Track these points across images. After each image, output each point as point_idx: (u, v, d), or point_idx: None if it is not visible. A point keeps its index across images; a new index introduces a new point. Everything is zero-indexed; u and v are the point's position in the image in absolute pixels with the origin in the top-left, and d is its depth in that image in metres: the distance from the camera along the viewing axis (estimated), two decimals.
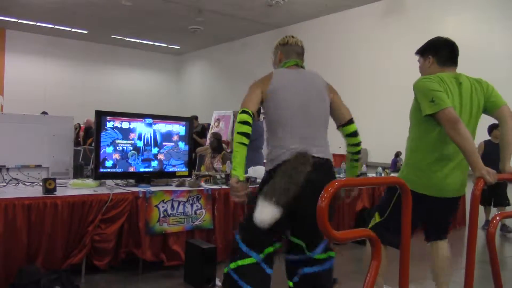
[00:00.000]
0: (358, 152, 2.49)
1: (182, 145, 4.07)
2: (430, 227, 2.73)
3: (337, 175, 5.84)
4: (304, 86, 2.35)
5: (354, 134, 2.45)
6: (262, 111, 2.41)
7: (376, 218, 2.60)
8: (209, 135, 8.13)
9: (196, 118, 9.28)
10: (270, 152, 2.30)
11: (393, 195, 2.50)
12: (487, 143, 5.96)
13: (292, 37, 2.53)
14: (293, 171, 2.09)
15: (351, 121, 2.44)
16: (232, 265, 2.26)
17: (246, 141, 2.17)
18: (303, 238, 2.29)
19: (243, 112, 2.21)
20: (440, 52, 2.52)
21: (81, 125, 11.70)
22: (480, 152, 5.43)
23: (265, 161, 2.46)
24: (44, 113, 7.02)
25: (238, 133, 2.17)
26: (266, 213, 2.01)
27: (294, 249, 2.32)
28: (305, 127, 2.29)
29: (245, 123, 2.18)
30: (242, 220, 2.39)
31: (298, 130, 2.27)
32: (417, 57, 2.65)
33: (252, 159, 5.03)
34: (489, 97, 2.47)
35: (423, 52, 2.60)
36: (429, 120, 2.33)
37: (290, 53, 2.47)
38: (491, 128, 5.94)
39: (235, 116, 8.83)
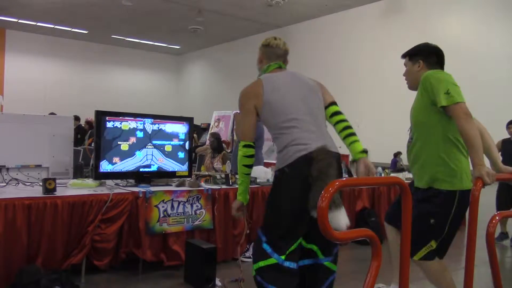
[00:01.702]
0: (349, 127, 2.40)
1: (182, 145, 4.07)
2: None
3: None
4: (296, 85, 2.37)
5: (339, 112, 2.45)
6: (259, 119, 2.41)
7: (433, 245, 2.43)
8: (208, 135, 8.13)
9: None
10: (285, 153, 2.24)
11: (443, 217, 2.39)
12: (505, 141, 5.57)
13: (275, 39, 2.52)
14: (328, 167, 2.08)
15: (335, 103, 2.47)
16: (255, 267, 2.25)
17: (250, 171, 2.41)
18: (319, 241, 2.27)
19: (247, 146, 2.35)
20: (430, 57, 2.54)
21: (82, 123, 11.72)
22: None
23: (270, 161, 2.48)
24: (52, 114, 7.03)
25: (244, 165, 2.38)
26: (343, 219, 1.96)
27: (306, 254, 2.31)
28: (311, 122, 2.29)
29: (250, 156, 2.37)
30: (266, 219, 2.33)
31: (307, 126, 2.27)
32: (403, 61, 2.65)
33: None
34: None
35: (412, 56, 2.60)
36: (440, 115, 2.32)
37: (270, 55, 2.48)
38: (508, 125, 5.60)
39: (235, 117, 8.84)
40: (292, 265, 2.22)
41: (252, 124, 2.35)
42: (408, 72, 2.62)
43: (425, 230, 2.40)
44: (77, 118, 10.67)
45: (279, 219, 2.23)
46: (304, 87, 2.38)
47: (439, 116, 2.35)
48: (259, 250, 2.26)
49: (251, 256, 2.39)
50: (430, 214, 2.38)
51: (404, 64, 2.65)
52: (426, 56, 2.54)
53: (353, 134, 2.37)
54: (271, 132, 2.36)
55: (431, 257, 2.44)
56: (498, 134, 4.67)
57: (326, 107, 2.43)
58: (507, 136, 5.59)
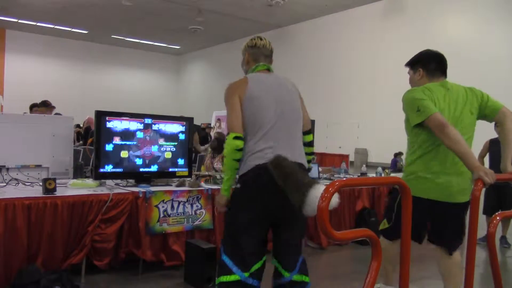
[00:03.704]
0: (309, 161, 2.48)
1: (181, 145, 4.07)
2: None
3: (336, 175, 5.82)
4: (279, 92, 2.35)
5: (311, 143, 2.53)
6: None
7: (385, 224, 2.65)
8: (213, 135, 8.13)
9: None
10: (244, 160, 2.25)
11: (394, 201, 2.53)
12: (493, 141, 5.28)
13: (260, 39, 2.51)
14: (293, 169, 2.05)
15: (309, 131, 2.50)
16: (217, 281, 2.25)
17: (238, 166, 2.27)
18: (278, 253, 2.29)
19: (237, 138, 2.24)
20: (429, 65, 2.57)
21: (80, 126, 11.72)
22: (484, 152, 5.30)
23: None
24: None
25: (234, 159, 2.25)
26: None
27: (275, 272, 2.31)
28: (280, 131, 2.28)
29: (240, 150, 2.24)
30: (225, 234, 2.33)
31: (272, 135, 2.26)
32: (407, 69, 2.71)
33: None
34: (486, 103, 2.51)
35: (413, 65, 2.66)
36: (423, 129, 2.38)
37: (257, 55, 2.47)
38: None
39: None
40: (255, 282, 2.21)
41: (239, 116, 2.27)
42: (410, 80, 2.69)
43: (388, 206, 2.70)
44: (78, 126, 10.79)
45: (238, 232, 2.20)
46: (286, 96, 2.37)
47: (422, 131, 2.42)
48: (221, 263, 2.24)
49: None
50: (389, 196, 2.56)
51: (408, 73, 2.71)
52: (425, 64, 2.59)
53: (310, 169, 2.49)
54: (244, 131, 2.32)
55: (383, 234, 2.66)
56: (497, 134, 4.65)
57: (303, 134, 2.45)
58: None
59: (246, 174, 2.21)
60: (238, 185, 2.27)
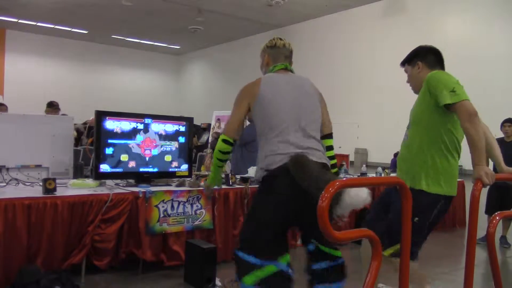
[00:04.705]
0: (334, 165, 2.45)
1: (181, 145, 4.07)
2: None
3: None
4: (295, 91, 2.31)
5: (330, 148, 2.49)
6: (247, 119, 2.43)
7: (397, 247, 2.32)
8: (212, 135, 8.14)
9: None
10: (264, 159, 2.22)
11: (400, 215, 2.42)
12: (497, 140, 5.39)
13: (280, 39, 2.47)
14: (318, 168, 2.07)
15: (330, 136, 2.47)
16: (248, 280, 2.11)
17: (223, 165, 2.48)
18: (316, 237, 2.28)
19: (226, 142, 2.33)
20: (428, 57, 2.53)
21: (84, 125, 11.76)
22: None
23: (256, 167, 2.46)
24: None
25: (219, 159, 2.42)
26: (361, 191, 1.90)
27: (312, 257, 2.30)
28: (297, 132, 2.23)
29: (226, 153, 2.39)
30: (247, 234, 2.24)
31: (290, 136, 2.22)
32: (403, 69, 2.65)
33: (253, 159, 5.03)
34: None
35: (410, 60, 2.59)
36: (441, 117, 2.30)
37: (278, 56, 2.43)
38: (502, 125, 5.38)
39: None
40: (290, 272, 2.18)
41: (239, 120, 2.32)
42: (409, 76, 2.61)
43: (393, 227, 2.35)
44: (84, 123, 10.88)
45: (263, 227, 2.17)
46: (303, 95, 2.32)
47: (440, 119, 2.32)
48: (247, 264, 2.15)
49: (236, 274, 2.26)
50: (413, 213, 2.38)
51: (405, 71, 2.64)
52: (424, 57, 2.53)
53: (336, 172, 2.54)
54: (258, 131, 2.32)
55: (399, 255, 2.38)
56: (497, 134, 4.66)
57: (323, 138, 2.41)
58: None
59: (266, 174, 2.19)
60: (261, 186, 2.28)
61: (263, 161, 2.22)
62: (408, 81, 2.64)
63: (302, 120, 2.26)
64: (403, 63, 2.64)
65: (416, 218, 2.29)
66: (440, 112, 2.31)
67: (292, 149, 2.17)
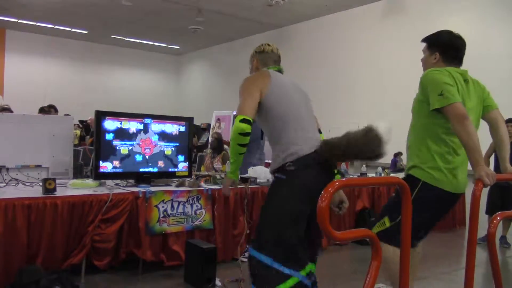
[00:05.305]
0: None
1: (181, 145, 4.07)
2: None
3: None
4: (295, 87, 2.42)
5: None
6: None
7: (386, 223, 2.40)
8: (212, 135, 8.14)
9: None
10: (287, 148, 2.16)
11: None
12: None
13: (268, 45, 2.52)
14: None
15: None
16: None
17: (244, 151, 2.18)
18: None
19: (245, 121, 2.12)
20: (447, 52, 2.45)
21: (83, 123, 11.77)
22: (490, 151, 5.24)
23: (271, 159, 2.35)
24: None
25: (239, 144, 2.14)
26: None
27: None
28: (309, 121, 2.34)
29: (246, 134, 2.13)
30: (270, 238, 2.08)
31: (306, 123, 2.30)
32: (422, 46, 2.57)
33: (253, 159, 5.03)
34: (485, 99, 2.48)
35: (430, 45, 2.51)
36: (436, 114, 2.27)
37: (267, 60, 2.49)
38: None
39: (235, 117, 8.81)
40: (310, 285, 2.12)
41: (254, 100, 2.17)
42: (424, 61, 2.55)
43: (390, 207, 2.45)
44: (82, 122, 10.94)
45: (288, 226, 2.07)
46: (300, 91, 2.43)
47: (434, 115, 2.30)
48: (270, 272, 2.02)
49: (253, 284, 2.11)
50: (395, 194, 2.41)
51: (423, 51, 2.57)
52: (444, 51, 2.46)
53: None
54: (272, 121, 2.25)
55: (384, 238, 2.26)
56: None
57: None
58: None
59: (290, 165, 2.14)
60: (283, 176, 2.16)
61: (288, 149, 2.16)
62: (422, 61, 2.59)
63: (309, 116, 2.37)
64: (424, 41, 2.56)
65: (397, 199, 2.33)
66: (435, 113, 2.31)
67: (314, 142, 2.23)
